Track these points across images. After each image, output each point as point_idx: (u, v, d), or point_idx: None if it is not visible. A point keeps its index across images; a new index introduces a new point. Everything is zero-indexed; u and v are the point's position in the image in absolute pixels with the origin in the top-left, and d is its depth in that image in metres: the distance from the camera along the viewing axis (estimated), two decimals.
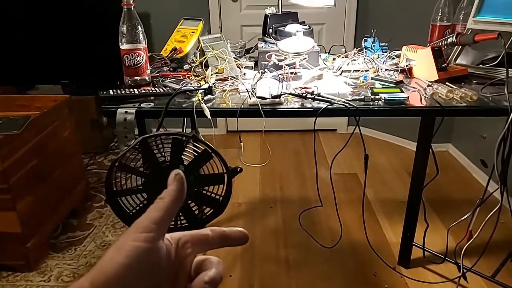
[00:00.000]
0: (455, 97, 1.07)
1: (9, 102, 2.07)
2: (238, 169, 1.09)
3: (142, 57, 1.21)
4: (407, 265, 1.79)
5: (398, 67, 1.32)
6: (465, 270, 1.19)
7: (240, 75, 1.32)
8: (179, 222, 1.10)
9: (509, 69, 1.06)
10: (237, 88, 1.22)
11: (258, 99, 1.09)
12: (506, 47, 1.10)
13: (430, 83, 1.18)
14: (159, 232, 0.34)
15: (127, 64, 1.21)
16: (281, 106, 1.10)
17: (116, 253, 0.32)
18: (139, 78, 1.23)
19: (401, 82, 1.24)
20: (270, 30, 1.56)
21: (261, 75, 1.28)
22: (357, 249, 1.92)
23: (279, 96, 1.10)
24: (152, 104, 1.10)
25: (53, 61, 2.85)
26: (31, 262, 1.80)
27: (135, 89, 1.17)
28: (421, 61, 1.27)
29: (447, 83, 1.17)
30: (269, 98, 1.09)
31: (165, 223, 0.34)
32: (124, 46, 1.19)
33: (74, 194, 2.20)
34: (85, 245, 1.99)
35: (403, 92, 1.12)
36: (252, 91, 1.15)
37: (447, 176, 2.58)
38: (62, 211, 2.08)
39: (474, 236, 1.08)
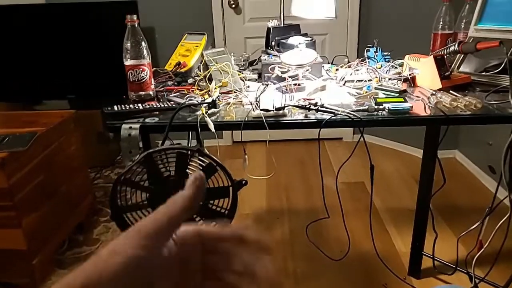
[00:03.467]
0: (459, 105, 1.07)
1: (16, 119, 2.09)
2: (243, 182, 1.09)
3: (146, 72, 1.22)
4: (418, 276, 1.76)
5: (401, 76, 1.32)
6: (477, 281, 1.17)
7: (244, 88, 1.32)
8: None
9: None
10: (241, 101, 1.22)
11: (261, 111, 1.09)
12: (508, 54, 1.10)
13: (434, 92, 1.17)
14: (162, 240, 0.32)
15: (131, 80, 1.22)
16: (284, 118, 1.10)
17: (113, 256, 0.30)
18: (143, 93, 1.24)
19: (405, 91, 1.24)
20: (273, 43, 1.57)
21: (265, 87, 1.28)
22: (365, 260, 1.89)
23: (283, 108, 1.10)
24: (157, 119, 1.11)
25: (59, 76, 2.89)
26: (36, 280, 1.79)
27: (139, 104, 1.17)
28: (424, 70, 1.27)
29: (450, 91, 1.16)
30: (273, 110, 1.09)
31: (171, 230, 0.33)
32: (128, 62, 1.21)
33: (81, 208, 2.20)
34: None
35: (407, 102, 1.11)
36: (256, 103, 1.16)
37: (455, 183, 2.56)
38: (68, 226, 2.08)
39: (485, 246, 1.06)
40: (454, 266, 1.48)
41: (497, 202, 1.10)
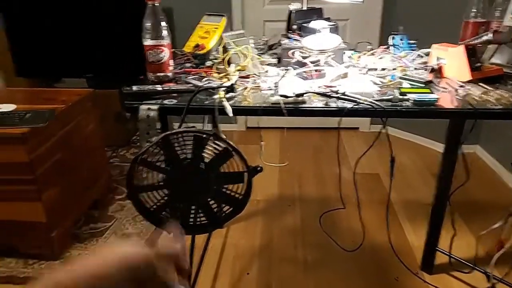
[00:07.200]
0: (490, 99, 1.02)
1: (36, 95, 2.12)
2: (258, 168, 1.08)
3: (166, 53, 1.20)
4: (430, 271, 1.73)
5: (428, 66, 1.27)
6: (495, 281, 1.14)
7: (263, 72, 1.29)
8: (198, 220, 1.09)
9: None
10: (259, 86, 1.19)
11: (280, 97, 1.07)
12: None
13: (463, 84, 1.12)
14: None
15: (150, 60, 1.20)
16: (304, 105, 1.07)
17: None
18: (162, 74, 1.22)
19: (431, 82, 1.19)
20: (294, 26, 1.53)
21: (285, 72, 1.25)
22: (378, 252, 1.87)
23: (303, 94, 1.07)
24: (175, 101, 1.09)
25: (78, 55, 2.90)
26: (55, 251, 1.85)
27: (158, 85, 1.16)
28: (452, 60, 1.22)
29: (480, 83, 1.11)
30: (292, 97, 1.07)
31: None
32: (147, 42, 1.19)
33: (97, 186, 2.23)
34: (106, 236, 2.02)
35: (433, 93, 1.07)
36: (275, 88, 1.13)
37: (475, 179, 2.48)
38: (85, 202, 2.12)
39: (506, 246, 1.03)
40: (470, 265, 1.44)
41: None
